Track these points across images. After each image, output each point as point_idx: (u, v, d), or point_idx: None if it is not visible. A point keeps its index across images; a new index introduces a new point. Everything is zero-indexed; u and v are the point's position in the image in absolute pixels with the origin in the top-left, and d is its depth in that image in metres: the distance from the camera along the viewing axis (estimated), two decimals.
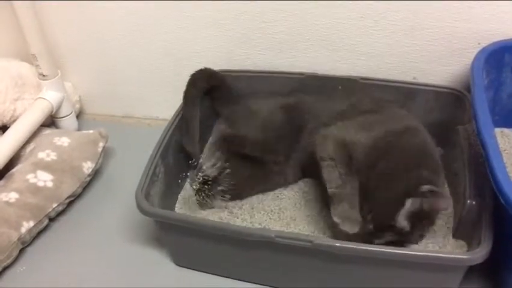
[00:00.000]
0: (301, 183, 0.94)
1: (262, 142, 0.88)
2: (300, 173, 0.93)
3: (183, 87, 0.99)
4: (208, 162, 0.85)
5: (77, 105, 1.22)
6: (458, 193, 0.80)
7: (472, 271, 0.69)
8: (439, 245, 0.76)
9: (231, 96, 1.01)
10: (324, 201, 0.85)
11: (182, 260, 0.83)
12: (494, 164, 0.63)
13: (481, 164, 0.73)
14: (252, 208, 0.89)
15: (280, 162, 0.89)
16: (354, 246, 0.67)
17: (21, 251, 0.87)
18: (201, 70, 1.01)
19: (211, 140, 0.99)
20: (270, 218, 0.86)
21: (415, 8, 0.91)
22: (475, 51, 0.86)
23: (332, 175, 0.76)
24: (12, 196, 0.87)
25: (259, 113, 0.93)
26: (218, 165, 0.84)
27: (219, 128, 0.95)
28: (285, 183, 0.92)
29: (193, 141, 0.92)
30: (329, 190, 0.76)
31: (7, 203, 0.86)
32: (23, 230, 0.85)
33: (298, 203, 0.89)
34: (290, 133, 0.90)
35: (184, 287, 0.81)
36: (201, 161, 0.88)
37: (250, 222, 0.86)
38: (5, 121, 1.06)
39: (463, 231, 0.75)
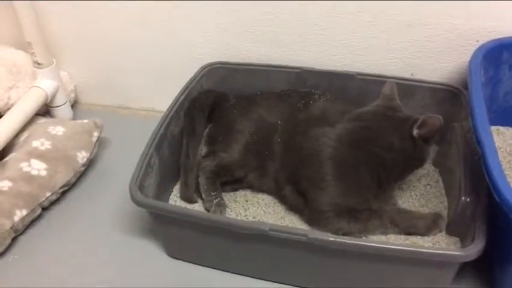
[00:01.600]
0: None
1: (244, 162, 0.89)
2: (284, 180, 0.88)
3: (180, 79, 0.99)
4: (206, 198, 0.87)
5: (72, 95, 1.21)
6: (453, 190, 0.81)
7: (464, 269, 0.69)
8: (432, 241, 0.77)
9: (220, 115, 0.98)
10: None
11: (176, 251, 0.83)
12: (490, 162, 0.63)
13: (476, 161, 0.73)
14: (247, 201, 0.89)
15: (259, 175, 0.89)
16: (348, 241, 0.67)
17: (14, 239, 0.86)
18: (205, 91, 1.01)
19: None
20: (264, 212, 0.87)
21: (414, 3, 0.90)
22: (473, 48, 0.86)
23: None
24: (5, 184, 0.87)
25: (241, 134, 0.91)
26: (215, 201, 0.85)
27: (203, 163, 0.91)
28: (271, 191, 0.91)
29: (189, 190, 0.90)
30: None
31: (0, 191, 0.85)
32: (16, 218, 0.85)
33: None
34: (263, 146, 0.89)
35: (177, 278, 0.81)
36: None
37: (245, 216, 0.86)
38: None
39: (456, 228, 0.75)
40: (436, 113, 0.91)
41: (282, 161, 0.86)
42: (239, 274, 0.80)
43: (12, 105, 1.04)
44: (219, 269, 0.81)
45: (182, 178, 0.90)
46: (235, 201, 0.89)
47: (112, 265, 0.83)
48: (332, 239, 0.67)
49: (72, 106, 1.20)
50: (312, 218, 0.81)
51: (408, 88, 0.95)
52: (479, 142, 0.66)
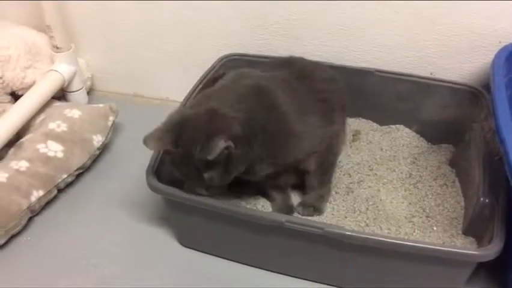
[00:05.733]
0: None
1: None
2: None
3: (196, 70, 0.98)
4: None
5: (89, 83, 1.21)
6: (470, 190, 0.80)
7: (477, 271, 0.69)
8: (447, 240, 0.76)
9: None
10: None
11: (188, 240, 0.83)
12: None
13: (496, 162, 0.73)
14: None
15: None
16: (364, 236, 0.67)
17: (29, 220, 0.87)
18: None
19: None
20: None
21: (438, 2, 0.90)
22: (495, 49, 0.86)
23: None
24: (23, 164, 0.87)
25: None
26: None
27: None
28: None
29: None
30: None
31: (18, 171, 0.86)
32: (33, 198, 0.85)
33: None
34: None
35: (187, 266, 0.81)
36: None
37: (254, 204, 0.86)
38: (14, 88, 1.05)
39: (473, 228, 0.75)
40: (455, 113, 0.93)
41: None
42: (250, 265, 0.80)
43: (27, 85, 1.05)
44: (231, 260, 0.81)
45: None
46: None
47: (123, 250, 0.84)
48: (349, 233, 0.67)
49: (88, 93, 1.20)
50: None
51: (427, 87, 0.94)
52: (502, 141, 0.66)
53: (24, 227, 0.86)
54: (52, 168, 0.89)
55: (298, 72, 0.86)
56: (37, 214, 0.89)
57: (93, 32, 1.16)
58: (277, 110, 0.77)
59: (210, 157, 0.67)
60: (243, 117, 0.73)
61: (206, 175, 0.72)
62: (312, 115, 0.80)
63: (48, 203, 0.91)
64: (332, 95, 0.86)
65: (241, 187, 0.84)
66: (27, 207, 0.84)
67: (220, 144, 0.67)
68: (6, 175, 0.84)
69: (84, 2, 1.11)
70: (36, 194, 0.86)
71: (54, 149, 0.92)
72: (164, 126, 0.74)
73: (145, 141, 0.72)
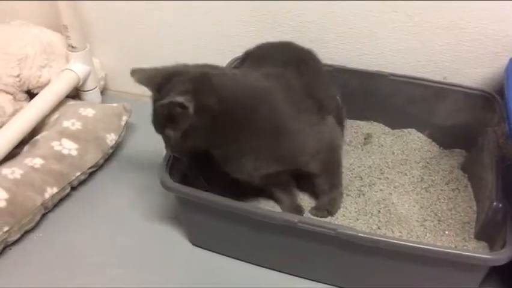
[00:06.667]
0: None
1: None
2: None
3: None
4: None
5: (102, 82, 1.22)
6: (482, 195, 0.80)
7: (489, 276, 0.69)
8: (459, 244, 0.76)
9: None
10: None
11: (199, 239, 0.84)
12: None
13: (509, 167, 0.73)
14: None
15: None
16: (377, 238, 0.67)
17: (41, 217, 0.87)
18: None
19: None
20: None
21: (452, 6, 0.90)
22: (509, 54, 0.86)
23: None
24: (37, 162, 0.88)
25: None
26: None
27: None
28: None
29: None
30: None
31: (32, 167, 0.87)
32: (47, 195, 0.86)
33: None
34: None
35: (198, 266, 0.81)
36: None
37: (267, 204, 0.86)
38: (30, 86, 1.07)
39: (486, 233, 0.75)
40: (468, 118, 0.93)
41: None
42: (261, 266, 0.80)
43: (43, 83, 1.06)
44: (242, 260, 0.81)
45: None
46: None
47: (134, 249, 0.84)
48: (361, 234, 0.67)
49: (101, 92, 1.21)
50: None
51: (440, 91, 0.94)
52: None
53: (37, 224, 0.86)
54: (66, 165, 0.90)
55: (295, 65, 0.84)
56: (50, 211, 0.89)
57: (107, 33, 1.17)
58: (271, 107, 0.74)
59: (161, 102, 0.67)
60: (229, 102, 0.70)
61: (166, 131, 0.71)
62: (306, 112, 0.78)
63: (61, 200, 0.91)
64: (320, 87, 0.84)
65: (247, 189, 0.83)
66: (41, 204, 0.85)
67: (177, 98, 0.66)
68: (21, 172, 0.85)
69: (99, 2, 1.12)
70: (50, 191, 0.87)
71: (69, 146, 0.93)
72: (157, 70, 0.73)
73: (133, 73, 0.73)
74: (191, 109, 0.68)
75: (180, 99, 0.67)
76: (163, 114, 0.70)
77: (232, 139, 0.73)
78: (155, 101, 0.72)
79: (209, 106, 0.69)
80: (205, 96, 0.69)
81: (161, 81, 0.71)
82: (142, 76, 0.73)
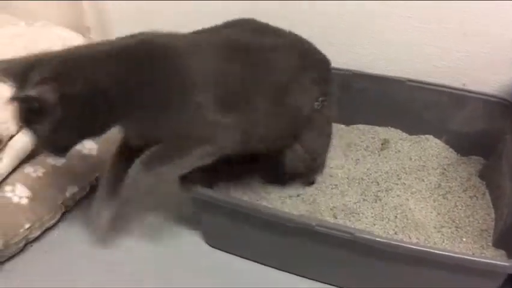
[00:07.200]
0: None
1: None
2: None
3: None
4: None
5: None
6: (500, 202, 0.80)
7: (506, 285, 0.68)
8: (477, 251, 0.76)
9: None
10: None
11: (217, 241, 0.84)
12: None
13: None
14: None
15: None
16: (395, 243, 0.67)
17: (62, 215, 0.88)
18: None
19: None
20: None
21: (469, 12, 0.90)
22: None
23: None
24: (59, 161, 0.89)
25: None
26: None
27: None
28: None
29: None
30: None
31: (54, 166, 0.89)
32: (68, 194, 0.88)
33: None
34: None
35: (215, 268, 0.81)
36: None
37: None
38: None
39: (504, 241, 0.74)
40: (486, 125, 0.92)
41: None
42: (276, 268, 0.80)
43: None
44: (259, 262, 0.81)
45: None
46: (269, 194, 0.89)
47: (149, 249, 0.85)
48: (379, 239, 0.67)
49: None
50: None
51: (458, 98, 0.94)
52: None
53: (57, 222, 0.87)
54: (87, 165, 0.92)
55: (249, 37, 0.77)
56: (70, 209, 0.90)
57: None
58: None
59: (15, 96, 0.60)
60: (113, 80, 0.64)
61: (31, 127, 0.64)
62: (258, 96, 0.72)
63: (81, 199, 0.92)
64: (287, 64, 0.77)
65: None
66: (62, 202, 0.87)
67: (31, 92, 0.58)
68: (44, 170, 0.87)
69: (122, 2, 1.13)
70: (71, 190, 0.88)
71: (89, 147, 0.94)
72: (19, 60, 0.64)
73: None
74: (51, 101, 0.59)
75: (34, 92, 0.58)
76: (23, 110, 0.62)
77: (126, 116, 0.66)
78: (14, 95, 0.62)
79: (75, 94, 0.61)
80: (70, 82, 0.61)
81: (22, 71, 0.62)
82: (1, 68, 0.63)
